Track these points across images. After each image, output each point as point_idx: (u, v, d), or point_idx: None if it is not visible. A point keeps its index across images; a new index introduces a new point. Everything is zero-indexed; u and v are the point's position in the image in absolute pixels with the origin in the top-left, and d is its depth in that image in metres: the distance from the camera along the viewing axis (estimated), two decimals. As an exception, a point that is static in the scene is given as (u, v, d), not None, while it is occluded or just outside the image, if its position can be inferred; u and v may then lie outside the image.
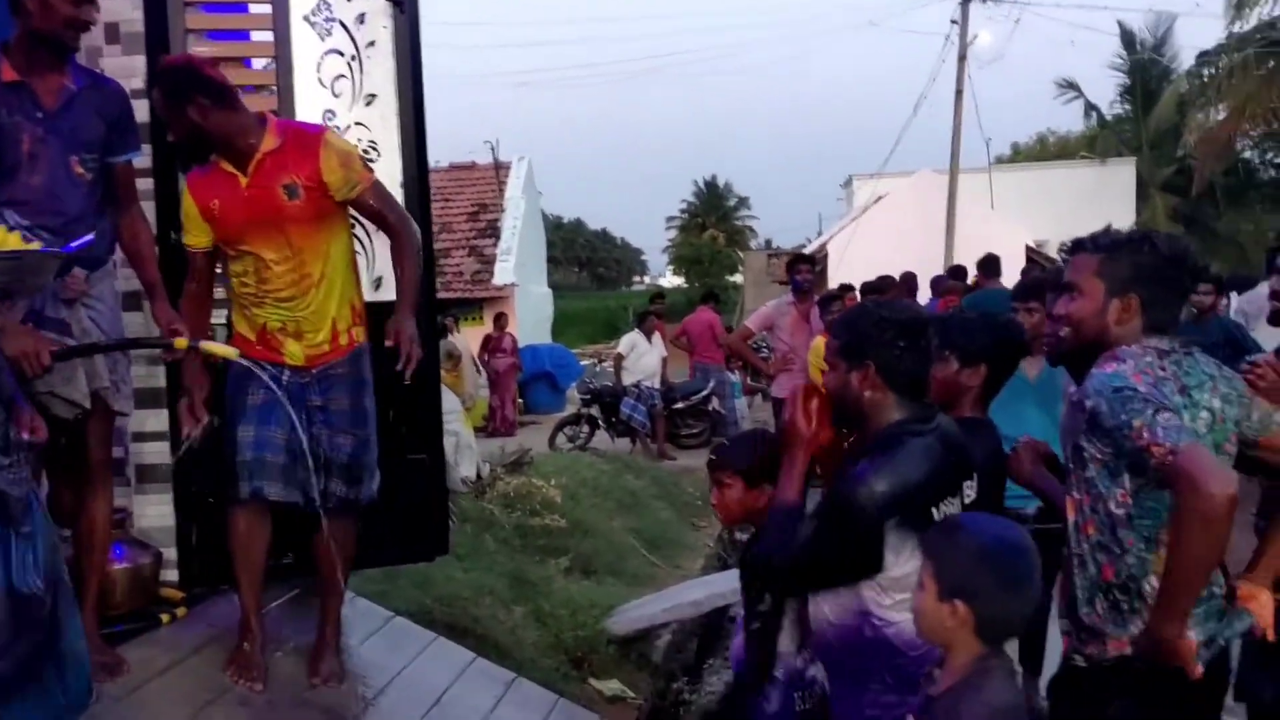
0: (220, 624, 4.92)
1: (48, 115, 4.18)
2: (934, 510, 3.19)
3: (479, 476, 10.68)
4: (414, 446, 5.49)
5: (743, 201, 77.83)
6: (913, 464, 3.17)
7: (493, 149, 30.40)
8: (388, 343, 4.44)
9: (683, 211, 77.72)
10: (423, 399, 5.55)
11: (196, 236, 4.67)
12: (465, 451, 10.63)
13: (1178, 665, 3.04)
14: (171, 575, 5.23)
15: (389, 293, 5.13)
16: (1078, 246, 3.46)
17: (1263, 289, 6.41)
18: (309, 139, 4.57)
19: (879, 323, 3.35)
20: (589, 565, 9.51)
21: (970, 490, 3.36)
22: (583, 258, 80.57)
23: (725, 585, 7.77)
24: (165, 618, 4.92)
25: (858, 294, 12.68)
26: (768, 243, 63.84)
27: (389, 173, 5.34)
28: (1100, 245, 3.38)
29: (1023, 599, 2.74)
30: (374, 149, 5.36)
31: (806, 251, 29.41)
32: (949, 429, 3.38)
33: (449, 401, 11.14)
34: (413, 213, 5.11)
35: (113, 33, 5.22)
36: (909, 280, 12.96)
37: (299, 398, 4.58)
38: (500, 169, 30.00)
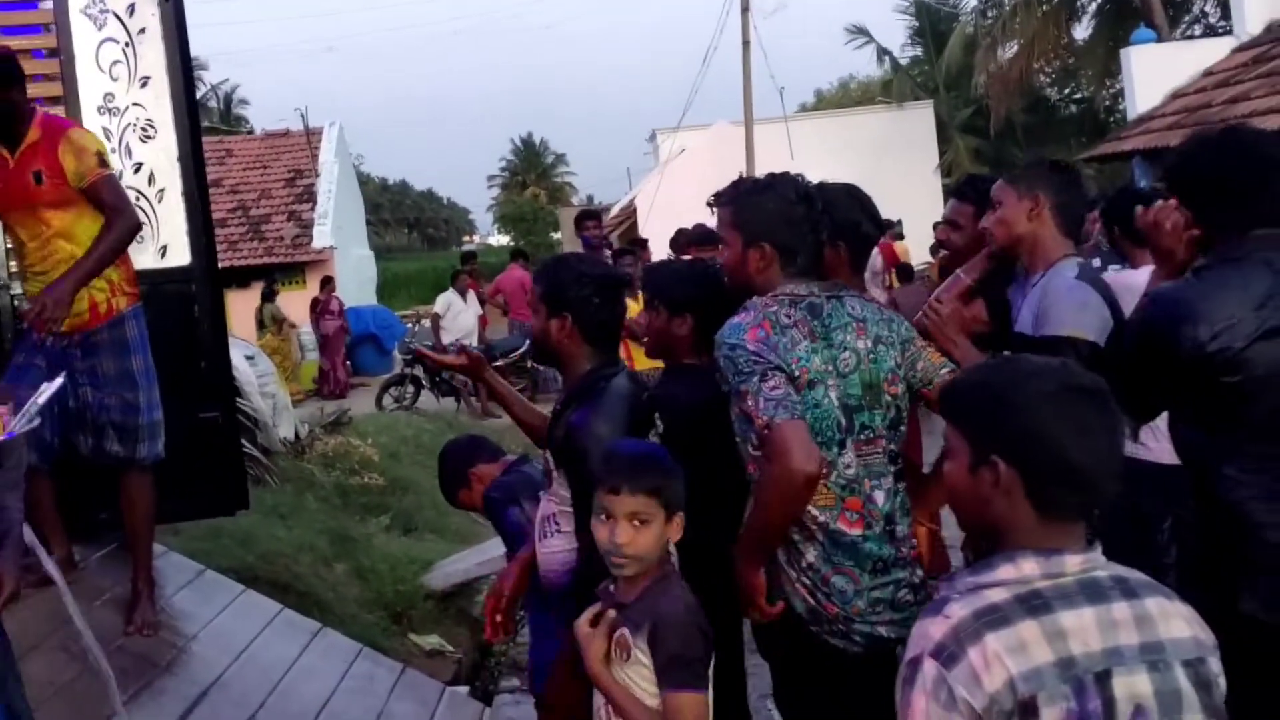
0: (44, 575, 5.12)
1: None
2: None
3: (298, 437, 10.84)
4: (205, 405, 5.82)
5: (560, 158, 78.07)
6: (619, 403, 3.43)
7: (302, 115, 30.26)
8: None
9: (503, 170, 77.62)
10: (212, 359, 5.92)
11: None
12: (283, 413, 10.75)
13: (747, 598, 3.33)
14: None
15: (174, 259, 5.73)
16: (716, 200, 3.70)
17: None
18: (56, 131, 4.92)
19: (578, 278, 3.57)
20: (410, 522, 9.70)
21: (658, 422, 3.60)
22: (411, 219, 79.80)
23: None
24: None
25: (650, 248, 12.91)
26: (589, 199, 63.78)
27: (165, 147, 5.77)
28: (730, 197, 3.61)
29: None
30: (151, 126, 5.75)
31: (618, 206, 29.63)
32: (627, 369, 3.71)
33: (264, 364, 11.31)
34: (191, 180, 5.72)
35: None
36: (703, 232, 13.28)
37: (61, 361, 4.82)
38: (312, 135, 29.85)
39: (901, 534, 3.41)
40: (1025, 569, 2.00)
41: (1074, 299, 3.58)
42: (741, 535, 3.34)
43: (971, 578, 2.05)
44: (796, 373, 3.26)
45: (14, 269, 5.60)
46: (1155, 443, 4.14)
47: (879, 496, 3.37)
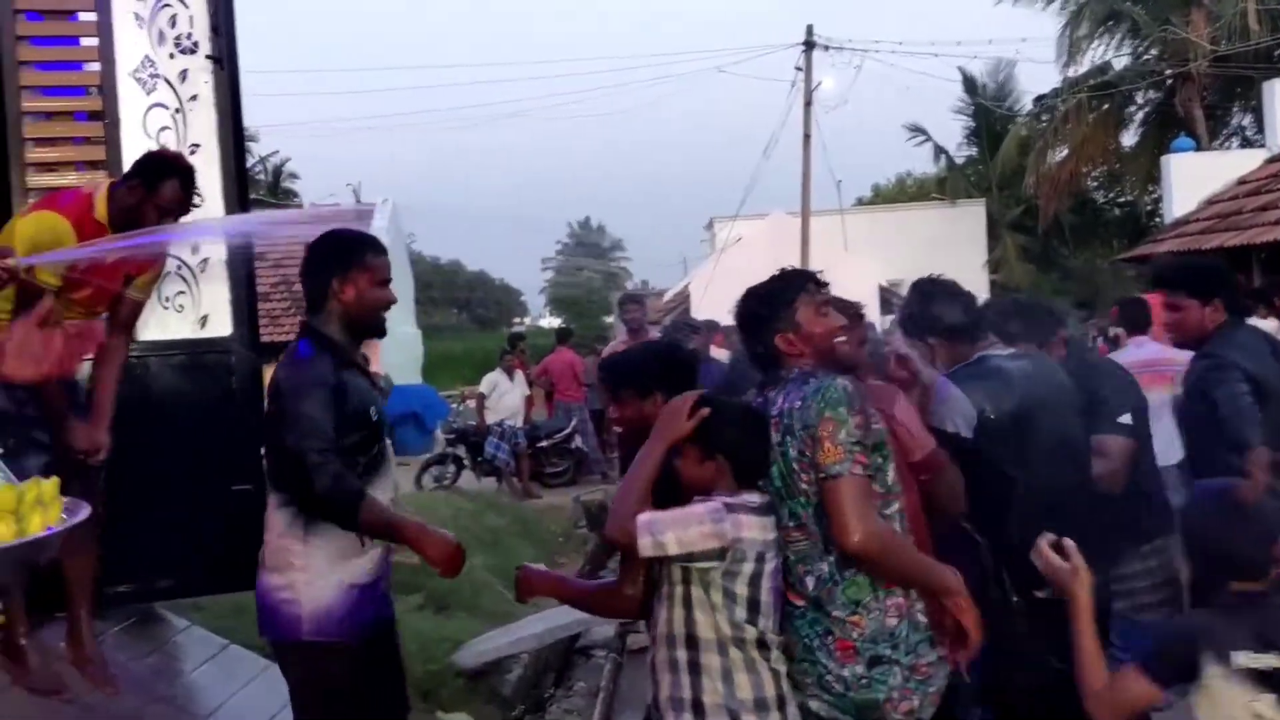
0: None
1: None
2: None
3: (332, 515, 10.72)
4: (239, 477, 5.71)
5: (617, 243, 78.66)
6: None
7: (355, 192, 30.35)
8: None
9: (558, 253, 78.23)
10: (249, 430, 5.78)
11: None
12: (320, 490, 10.66)
13: None
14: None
15: (214, 329, 5.72)
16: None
17: None
18: None
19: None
20: (444, 602, 9.57)
21: None
22: (461, 299, 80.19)
23: (566, 618, 7.93)
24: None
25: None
26: (643, 283, 64.22)
27: (213, 216, 5.62)
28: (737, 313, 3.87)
29: None
30: (198, 195, 5.53)
31: (672, 292, 29.77)
32: None
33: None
34: (237, 250, 5.62)
35: None
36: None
37: None
38: (364, 211, 29.87)
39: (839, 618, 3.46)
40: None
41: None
42: None
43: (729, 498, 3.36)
44: None
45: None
46: None
47: (810, 582, 3.46)
